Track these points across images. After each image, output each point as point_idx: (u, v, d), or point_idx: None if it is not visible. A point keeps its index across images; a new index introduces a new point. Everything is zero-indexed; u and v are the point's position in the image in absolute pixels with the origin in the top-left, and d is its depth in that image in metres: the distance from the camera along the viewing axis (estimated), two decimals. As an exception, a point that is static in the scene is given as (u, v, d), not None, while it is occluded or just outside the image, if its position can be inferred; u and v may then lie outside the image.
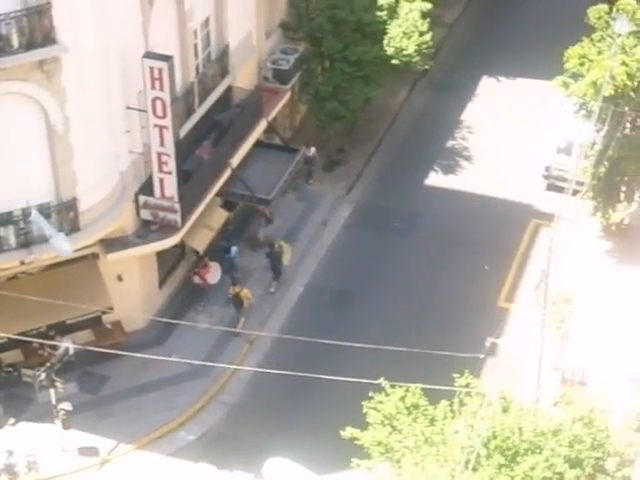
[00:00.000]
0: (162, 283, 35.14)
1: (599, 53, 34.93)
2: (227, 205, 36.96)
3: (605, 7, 35.45)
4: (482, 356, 31.27)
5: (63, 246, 29.21)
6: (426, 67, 42.34)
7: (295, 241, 38.21)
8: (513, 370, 32.77)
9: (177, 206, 32.12)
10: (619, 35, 34.03)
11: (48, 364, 30.16)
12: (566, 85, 35.34)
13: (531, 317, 32.93)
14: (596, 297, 34.32)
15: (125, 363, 32.78)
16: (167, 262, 35.23)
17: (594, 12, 35.45)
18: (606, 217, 36.77)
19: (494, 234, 38.45)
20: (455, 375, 26.06)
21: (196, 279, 35.64)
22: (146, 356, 32.11)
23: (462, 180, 41.31)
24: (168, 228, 32.62)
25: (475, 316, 35.08)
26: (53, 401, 30.13)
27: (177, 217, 32.33)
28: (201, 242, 35.55)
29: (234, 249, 35.92)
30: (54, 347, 31.99)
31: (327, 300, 36.29)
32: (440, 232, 38.81)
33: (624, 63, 33.93)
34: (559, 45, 36.49)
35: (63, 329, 32.69)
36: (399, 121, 44.13)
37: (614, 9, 34.95)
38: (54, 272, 31.78)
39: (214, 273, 35.71)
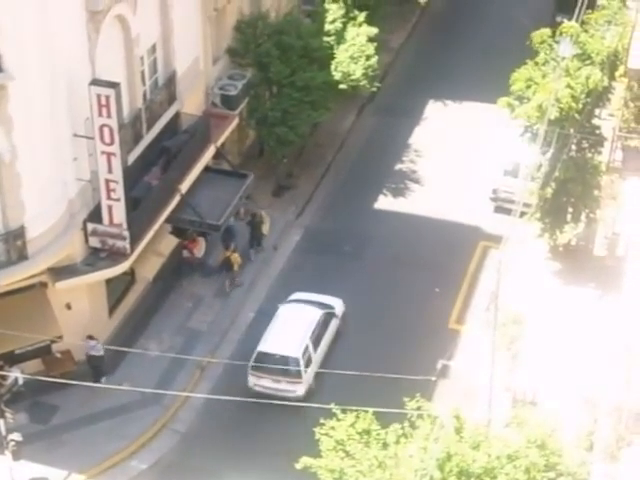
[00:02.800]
0: (112, 311, 34.86)
1: (544, 76, 35.26)
2: (177, 231, 36.79)
3: (548, 31, 35.84)
4: (434, 378, 31.33)
5: None
6: (373, 90, 42.57)
7: (245, 267, 38.12)
8: (465, 392, 32.82)
9: (126, 233, 31.91)
10: (563, 58, 34.39)
11: (-3, 395, 29.75)
12: (511, 106, 35.61)
13: (481, 338, 33.01)
14: (545, 317, 34.52)
15: (75, 392, 32.47)
16: (117, 289, 34.94)
17: (537, 36, 35.82)
18: (553, 238, 37.06)
19: (443, 256, 38.60)
20: (405, 399, 26.04)
21: (185, 253, 36.89)
22: (96, 385, 31.86)
23: (411, 203, 41.45)
24: (117, 255, 32.38)
25: (426, 338, 35.13)
26: (3, 432, 29.69)
27: (126, 244, 32.11)
28: (151, 269, 35.35)
29: (232, 219, 37.12)
30: (3, 377, 31.58)
31: (278, 325, 36.20)
32: (390, 255, 38.90)
33: (569, 86, 34.29)
34: (505, 68, 36.78)
35: (12, 359, 32.28)
36: (348, 145, 44.27)
37: (557, 32, 35.33)
38: (2, 302, 31.37)
39: (201, 247, 37.25)
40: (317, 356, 33.40)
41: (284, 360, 32.62)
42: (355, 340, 35.39)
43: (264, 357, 32.65)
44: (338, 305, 35.24)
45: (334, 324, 34.75)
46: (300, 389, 32.56)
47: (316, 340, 33.51)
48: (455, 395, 32.29)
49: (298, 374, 32.52)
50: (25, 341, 31.52)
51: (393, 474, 24.68)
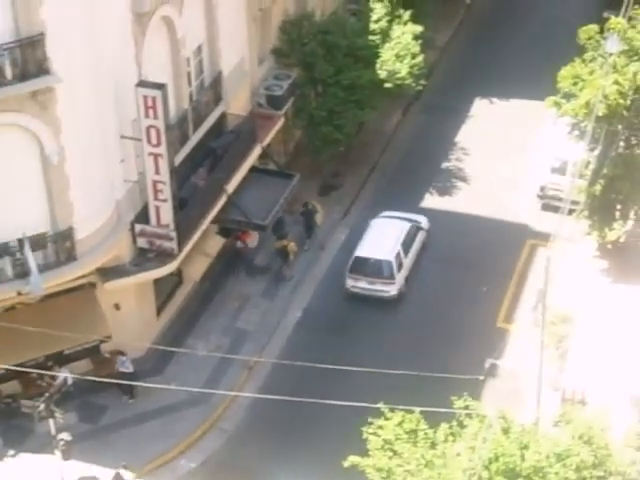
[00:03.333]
0: (160, 311, 35.07)
1: (591, 73, 35.01)
2: (223, 231, 36.95)
3: (595, 27, 35.57)
4: (482, 377, 31.22)
5: (36, 286, 29.12)
6: (419, 89, 42.48)
7: (300, 255, 38.19)
8: (513, 391, 32.68)
9: (173, 234, 32.07)
10: (611, 54, 34.12)
11: (47, 394, 29.98)
12: (558, 105, 35.41)
13: (530, 337, 32.85)
14: (594, 316, 34.23)
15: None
16: (164, 290, 35.16)
17: (585, 32, 35.57)
18: (602, 236, 36.76)
19: (491, 255, 38.44)
20: (453, 397, 25.95)
21: (238, 244, 37.40)
22: (145, 384, 32.05)
23: (458, 202, 41.32)
24: (164, 256, 32.57)
25: (474, 337, 35.03)
26: (53, 432, 29.95)
27: (173, 245, 32.27)
28: (198, 269, 35.51)
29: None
30: (53, 377, 31.89)
31: (325, 324, 36.24)
32: (437, 254, 38.79)
33: (616, 82, 34.00)
34: (552, 66, 36.57)
35: (61, 359, 32.58)
36: (393, 144, 44.19)
37: (604, 29, 35.07)
38: (51, 302, 31.69)
39: (254, 238, 37.73)
40: (407, 261, 37.11)
41: (378, 263, 36.30)
42: (403, 339, 35.32)
43: (360, 261, 36.44)
44: (424, 221, 38.50)
45: (421, 235, 38.35)
46: (393, 289, 36.34)
47: (406, 248, 37.19)
48: (503, 394, 32.16)
49: (391, 276, 36.11)
50: (74, 341, 31.79)
51: (441, 473, 24.60)
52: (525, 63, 47.09)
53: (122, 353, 32.91)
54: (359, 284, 36.53)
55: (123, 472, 30.80)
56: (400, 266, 36.70)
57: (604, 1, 47.62)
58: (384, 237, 37.24)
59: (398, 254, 36.76)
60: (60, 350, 32.15)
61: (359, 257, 36.62)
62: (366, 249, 36.86)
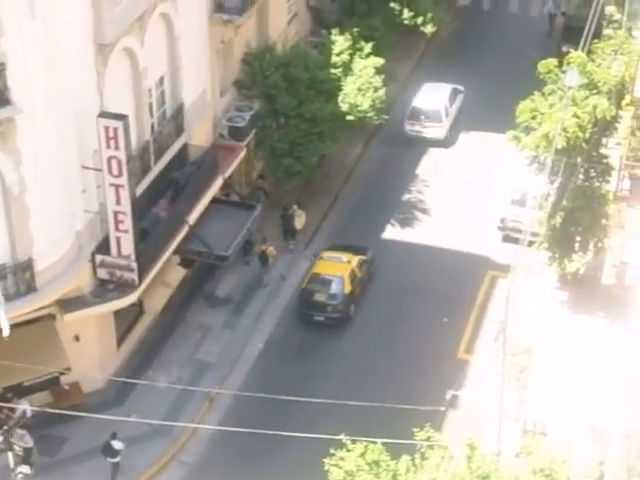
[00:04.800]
0: (120, 342, 34.78)
1: (550, 106, 35.25)
2: (185, 262, 36.75)
3: (554, 61, 35.86)
4: (443, 409, 31.14)
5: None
6: (381, 122, 42.58)
7: (254, 298, 38.08)
8: (474, 422, 32.60)
9: (134, 264, 31.85)
10: (570, 88, 34.39)
11: (5, 427, 29.59)
12: (517, 139, 35.62)
13: (491, 368, 32.83)
14: (554, 347, 34.34)
15: (84, 424, 32.26)
16: (125, 321, 34.88)
17: (544, 66, 35.83)
18: (562, 267, 36.91)
19: (452, 286, 38.48)
20: (415, 429, 25.85)
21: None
22: (105, 417, 31.70)
23: (419, 233, 41.39)
24: (125, 287, 32.31)
25: (435, 368, 34.97)
26: (11, 464, 29.53)
27: (134, 275, 32.04)
28: (159, 300, 35.27)
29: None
30: (11, 409, 31.42)
31: (287, 356, 36.06)
32: (399, 284, 38.79)
33: (575, 115, 34.27)
34: (512, 99, 36.78)
35: (20, 391, 32.16)
36: (355, 175, 44.26)
37: (564, 62, 35.36)
38: (11, 333, 31.22)
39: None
40: (451, 111, 46.08)
41: (431, 111, 45.19)
42: (364, 370, 35.21)
43: (416, 110, 45.53)
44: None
45: (460, 98, 47.01)
46: (442, 132, 45.30)
47: (450, 100, 46.22)
48: (465, 425, 32.09)
49: (440, 120, 45.15)
50: (34, 373, 31.40)
51: (403, 505, 24.47)
52: (486, 96, 47.37)
53: (21, 427, 31.39)
54: (415, 128, 45.65)
55: (114, 442, 30.85)
56: (447, 114, 45.51)
57: (563, 35, 48.29)
58: (434, 93, 45.91)
59: (445, 106, 45.23)
60: (19, 382, 31.74)
61: (415, 107, 45.45)
62: (420, 100, 45.58)
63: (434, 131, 45.23)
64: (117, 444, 31.28)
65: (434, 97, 45.89)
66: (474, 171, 43.93)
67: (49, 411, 30.38)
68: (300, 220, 40.20)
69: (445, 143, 45.69)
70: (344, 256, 37.98)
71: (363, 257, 38.49)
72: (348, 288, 37.00)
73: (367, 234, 41.07)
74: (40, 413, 30.91)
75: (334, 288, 36.88)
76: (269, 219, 39.96)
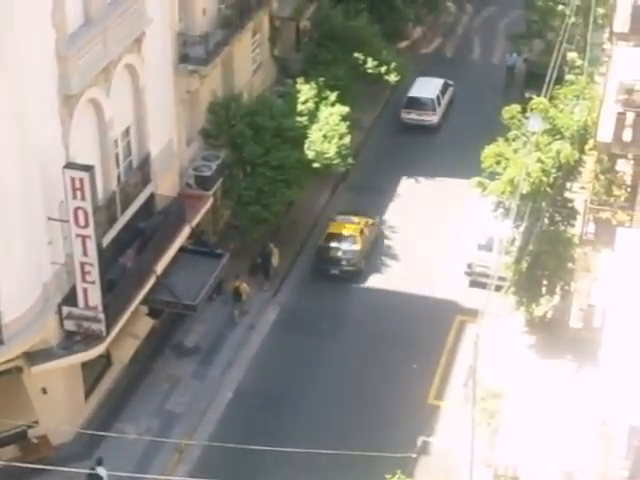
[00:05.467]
0: (88, 394, 34.42)
1: (515, 151, 35.49)
2: (153, 312, 36.52)
3: (517, 107, 36.14)
4: (414, 455, 30.99)
5: None
6: (347, 168, 42.70)
7: (222, 347, 37.88)
8: (446, 468, 32.45)
9: (101, 316, 31.61)
10: (533, 133, 34.64)
11: (-29, 483, 29.12)
12: (482, 185, 35.79)
13: (461, 413, 32.74)
14: (524, 391, 34.27)
15: (53, 477, 31.74)
16: (93, 372, 34.54)
17: (508, 112, 36.13)
18: (529, 311, 36.95)
19: (420, 332, 38.43)
20: (387, 475, 25.68)
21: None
22: (74, 470, 31.28)
23: (387, 279, 41.36)
24: (93, 338, 32.04)
25: (406, 415, 34.82)
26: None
27: (102, 327, 31.79)
28: (127, 351, 35.00)
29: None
30: (-22, 465, 30.96)
31: (257, 405, 35.79)
32: (367, 331, 38.68)
33: (539, 160, 34.51)
34: (477, 145, 37.02)
35: (-13, 445, 31.74)
36: (322, 223, 44.23)
37: (528, 108, 35.64)
38: (-23, 387, 30.94)
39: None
40: (443, 101, 50.23)
41: (425, 100, 49.53)
42: (335, 418, 35.01)
43: (412, 100, 49.64)
44: (451, 84, 50.48)
45: (450, 91, 51.27)
46: (435, 119, 49.59)
47: (442, 93, 50.43)
48: (436, 471, 31.91)
49: (434, 109, 49.37)
50: (1, 426, 30.97)
51: None
52: (451, 143, 47.75)
53: None
54: (410, 116, 50.10)
55: (99, 469, 30.82)
56: (439, 103, 50.05)
57: (526, 81, 48.79)
58: (427, 88, 50.24)
59: (437, 95, 49.89)
60: (-14, 436, 31.31)
61: (411, 97, 50.06)
62: (416, 90, 50.20)
63: (428, 118, 49.50)
64: (102, 471, 31.07)
65: (428, 89, 50.13)
66: (440, 217, 44.02)
67: (17, 465, 29.89)
68: (275, 257, 40.58)
69: (438, 130, 49.67)
70: (355, 218, 42.31)
71: (371, 220, 42.65)
72: (359, 245, 41.31)
73: (334, 281, 40.99)
74: (8, 467, 30.41)
75: (347, 245, 41.10)
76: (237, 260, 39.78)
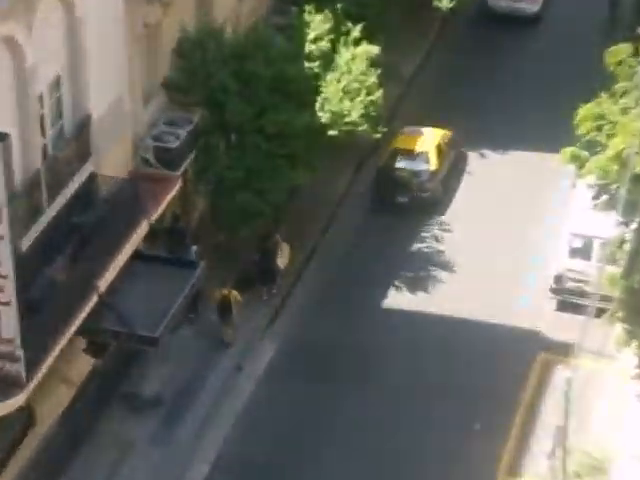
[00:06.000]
0: (3, 462, 34.57)
1: (623, 112, 35.47)
2: (94, 348, 36.61)
3: (628, 47, 36.10)
4: None
5: None
6: (377, 137, 42.72)
7: (195, 399, 38.01)
8: None
9: (19, 352, 31.70)
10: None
11: None
12: (577, 159, 35.78)
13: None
14: (636, 464, 34.36)
15: None
16: (7, 435, 34.67)
17: (613, 55, 36.08)
18: (645, 347, 37.04)
19: (486, 377, 38.52)
20: None
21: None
22: None
23: (436, 300, 41.51)
24: (7, 384, 32.17)
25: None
26: None
27: (20, 368, 31.88)
28: (57, 404, 35.13)
29: (193, 249, 39.97)
30: None
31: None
32: (408, 377, 38.80)
33: (660, 125, 34.52)
34: (566, 104, 36.99)
35: None
36: (342, 217, 44.32)
37: (642, 49, 35.71)
38: None
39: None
40: None
41: None
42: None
43: None
44: None
45: None
46: (535, 7, 54.99)
47: None
48: None
49: None
50: None
51: None
52: (529, 99, 47.83)
53: None
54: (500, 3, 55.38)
55: None
56: None
57: (638, 12, 48.84)
58: None
59: None
60: None
61: None
62: None
63: (528, 6, 54.86)
64: None
65: None
66: (515, 207, 44.10)
67: None
68: (284, 257, 41.31)
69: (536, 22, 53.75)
70: (428, 130, 45.90)
71: (449, 133, 46.17)
72: (434, 164, 44.68)
73: (360, 302, 41.10)
74: None
75: (419, 164, 44.68)
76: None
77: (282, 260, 41.32)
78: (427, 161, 45.03)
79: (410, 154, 45.26)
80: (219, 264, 39.96)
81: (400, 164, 44.94)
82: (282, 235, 42.29)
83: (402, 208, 44.69)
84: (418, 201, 44.80)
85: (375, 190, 45.62)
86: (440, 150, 45.52)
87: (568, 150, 36.02)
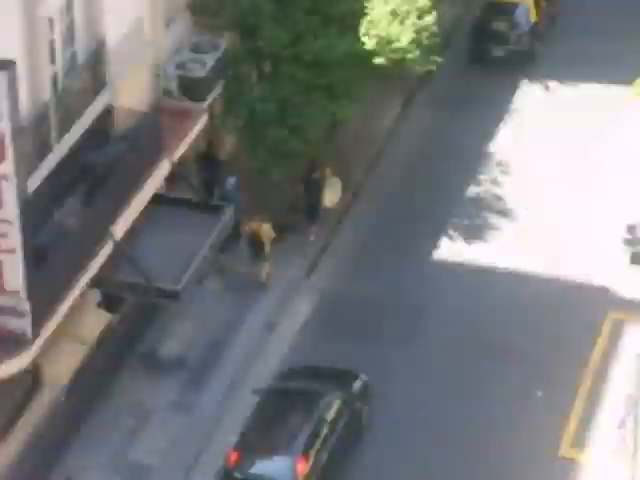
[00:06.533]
0: (4, 434, 34.91)
1: None
2: (110, 302, 36.91)
3: None
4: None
5: None
6: (430, 68, 42.70)
7: (223, 359, 38.37)
8: None
9: (25, 306, 32.01)
10: None
11: None
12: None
13: (613, 472, 32.94)
14: None
15: None
16: (11, 399, 34.97)
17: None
18: None
19: (549, 338, 38.69)
20: None
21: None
22: None
23: (493, 252, 41.71)
24: (12, 343, 32.48)
25: (525, 471, 35.22)
26: None
27: (26, 324, 32.18)
28: (67, 366, 35.39)
29: (231, 180, 41.19)
30: None
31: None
32: (461, 338, 39.03)
33: None
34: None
35: None
36: (388, 157, 44.46)
37: None
38: None
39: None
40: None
41: None
42: (412, 471, 35.45)
43: None
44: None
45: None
46: None
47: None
48: None
49: None
50: None
51: None
52: (608, 16, 47.90)
53: None
54: None
55: None
56: None
57: None
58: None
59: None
60: None
61: None
62: None
63: None
64: None
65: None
66: (584, 148, 44.10)
67: None
68: (332, 193, 42.00)
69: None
70: None
71: None
72: (534, 17, 48.04)
73: (407, 252, 41.28)
74: None
75: (517, 15, 48.10)
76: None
77: (330, 197, 41.91)
78: (526, 14, 47.79)
79: (508, 6, 48.74)
80: (261, 198, 40.76)
81: (496, 15, 47.76)
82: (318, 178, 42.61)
83: (498, 61, 48.38)
84: (514, 55, 47.64)
85: (470, 45, 49.12)
86: (538, 2, 48.95)
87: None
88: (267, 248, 40.32)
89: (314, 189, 41.71)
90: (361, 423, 36.55)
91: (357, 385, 37.16)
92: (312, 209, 41.99)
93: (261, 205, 40.84)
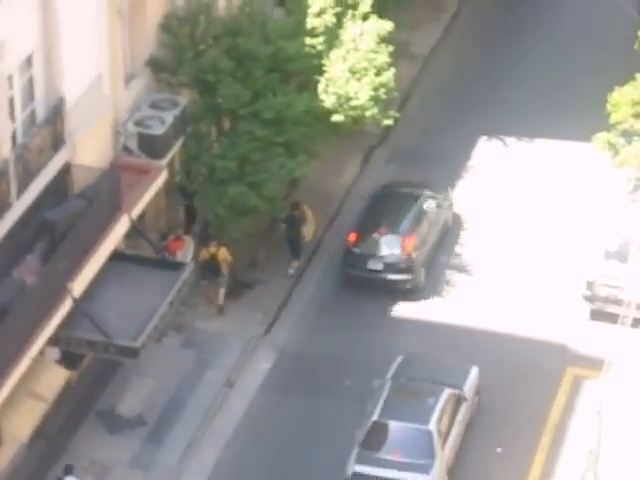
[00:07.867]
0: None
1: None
2: (68, 359, 36.68)
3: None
4: None
5: None
6: (388, 123, 42.70)
7: (182, 415, 38.12)
8: None
9: (-16, 364, 31.82)
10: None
11: None
12: (613, 147, 35.75)
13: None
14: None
15: None
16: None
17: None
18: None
19: (509, 394, 38.56)
20: None
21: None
22: None
23: (454, 306, 41.67)
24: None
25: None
26: None
27: (-16, 382, 32.00)
28: (26, 423, 35.13)
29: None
30: None
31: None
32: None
33: None
34: (598, 86, 36.99)
35: None
36: (346, 213, 44.34)
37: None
38: None
39: (187, 249, 41.04)
40: None
41: None
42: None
43: None
44: None
45: None
46: None
47: None
48: None
49: None
50: None
51: None
52: (556, 81, 47.85)
53: None
54: None
55: (68, 478, 31.57)
56: None
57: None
58: None
59: None
60: None
61: None
62: None
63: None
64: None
65: None
66: (543, 204, 44.14)
67: None
68: (309, 227, 42.31)
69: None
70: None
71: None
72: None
73: (366, 308, 41.21)
74: None
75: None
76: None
77: (308, 229, 42.55)
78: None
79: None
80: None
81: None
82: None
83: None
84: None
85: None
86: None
87: (602, 136, 36.03)
88: (224, 271, 40.57)
89: (296, 226, 42.21)
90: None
91: None
92: (295, 244, 42.41)
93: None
